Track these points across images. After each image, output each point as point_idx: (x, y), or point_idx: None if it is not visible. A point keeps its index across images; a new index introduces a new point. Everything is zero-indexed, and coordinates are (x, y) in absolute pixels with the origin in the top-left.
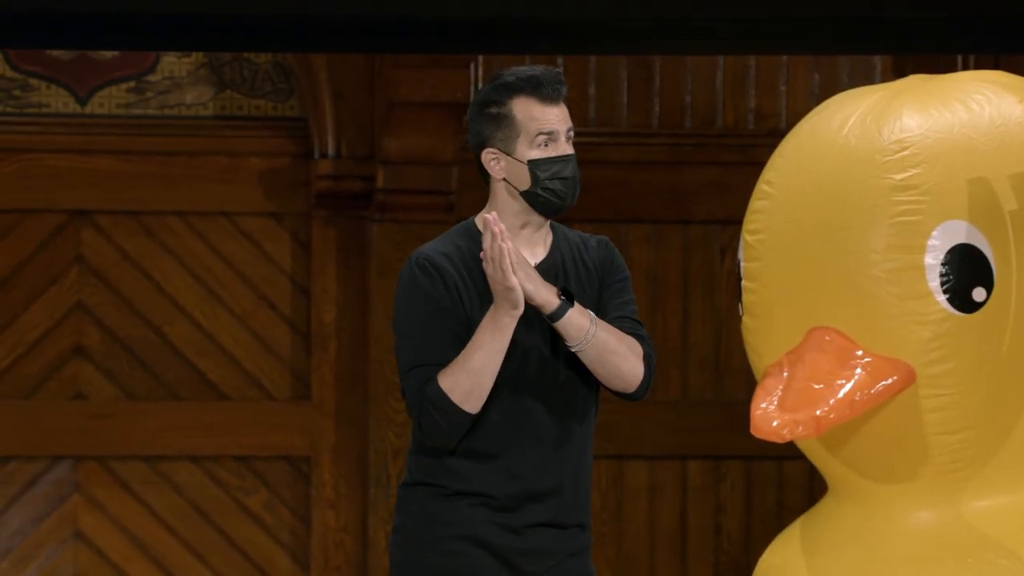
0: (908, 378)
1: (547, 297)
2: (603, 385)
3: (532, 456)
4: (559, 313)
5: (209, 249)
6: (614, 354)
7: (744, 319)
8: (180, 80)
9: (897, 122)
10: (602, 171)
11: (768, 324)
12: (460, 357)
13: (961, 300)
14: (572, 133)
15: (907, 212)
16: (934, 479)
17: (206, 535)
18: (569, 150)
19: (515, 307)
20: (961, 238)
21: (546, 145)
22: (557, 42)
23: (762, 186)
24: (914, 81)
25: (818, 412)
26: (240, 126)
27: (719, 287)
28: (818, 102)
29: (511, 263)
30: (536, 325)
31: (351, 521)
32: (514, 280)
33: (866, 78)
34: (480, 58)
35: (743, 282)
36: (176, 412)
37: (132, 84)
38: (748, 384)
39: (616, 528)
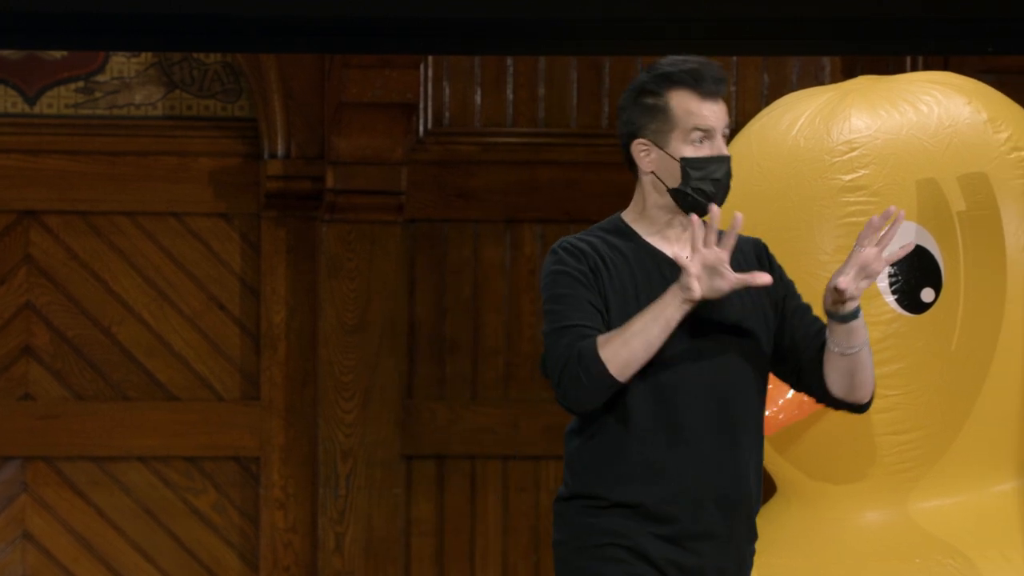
0: None
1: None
2: (831, 395)
3: (686, 462)
4: (856, 313)
5: (158, 249)
6: (869, 362)
7: None
8: (129, 80)
9: (846, 123)
10: (552, 171)
11: None
12: (622, 327)
13: (910, 301)
14: (728, 132)
15: (856, 213)
16: (883, 480)
17: (155, 536)
18: (725, 151)
19: (687, 292)
20: (910, 239)
21: (701, 142)
22: (507, 43)
23: None
24: (863, 82)
25: (767, 413)
26: (189, 126)
27: None
28: (767, 103)
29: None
30: (700, 331)
31: (300, 521)
32: (711, 284)
33: (815, 79)
34: (430, 59)
35: None
36: (125, 413)
37: (81, 84)
38: None
39: None
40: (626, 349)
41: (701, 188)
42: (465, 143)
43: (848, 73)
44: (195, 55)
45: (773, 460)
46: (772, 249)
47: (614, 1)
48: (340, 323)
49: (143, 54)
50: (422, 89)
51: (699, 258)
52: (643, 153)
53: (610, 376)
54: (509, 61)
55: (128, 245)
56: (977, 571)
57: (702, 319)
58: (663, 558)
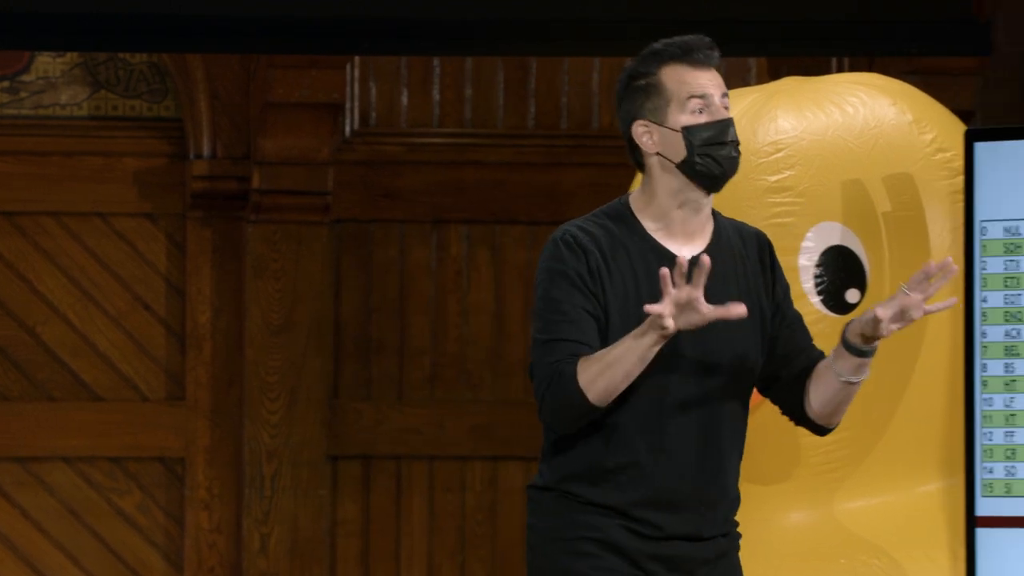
0: None
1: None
2: (804, 414)
3: (667, 468)
4: (873, 350)
5: (84, 250)
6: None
7: None
8: (55, 80)
9: (772, 124)
10: (478, 172)
11: None
12: (604, 350)
13: (835, 301)
14: (727, 99)
15: (782, 214)
16: (808, 480)
17: (79, 536)
18: (726, 113)
19: (659, 331)
20: (835, 240)
21: (700, 111)
22: (433, 43)
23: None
24: (789, 83)
25: None
26: (115, 126)
27: None
28: None
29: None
30: (690, 335)
31: (225, 522)
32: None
33: (741, 80)
34: (356, 59)
35: None
36: (50, 413)
37: (6, 84)
38: None
39: (491, 529)
40: (603, 379)
41: (709, 154)
42: (391, 143)
43: (774, 74)
44: (121, 55)
45: None
46: None
47: (542, 2)
48: (266, 323)
49: (68, 54)
50: (348, 89)
51: (670, 299)
52: (645, 135)
53: (589, 403)
54: (435, 62)
55: (53, 245)
56: (902, 571)
57: (702, 332)
58: (637, 550)
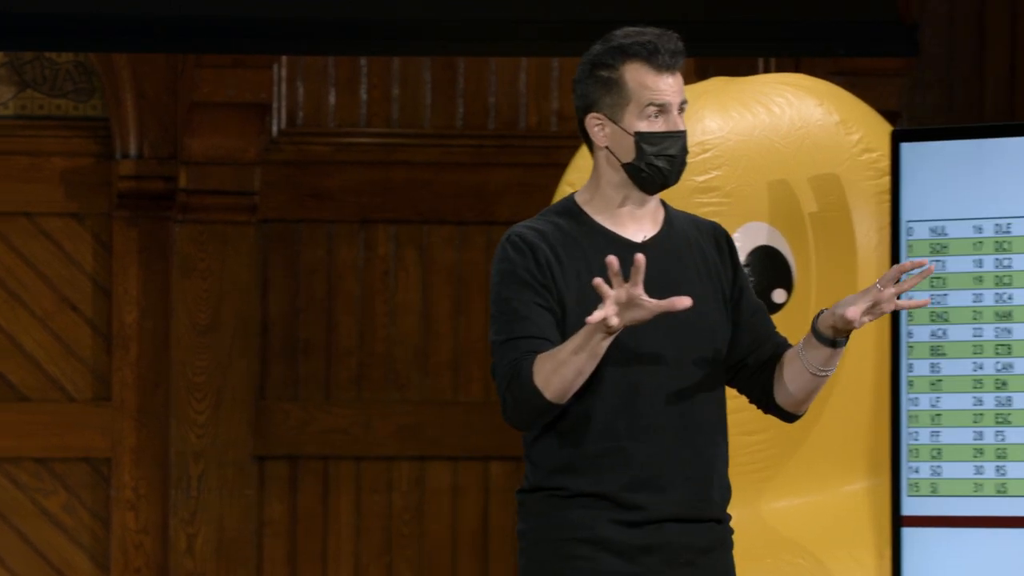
0: None
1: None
2: (772, 402)
3: (649, 448)
4: (844, 342)
5: (10, 250)
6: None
7: None
8: None
9: (699, 124)
10: (406, 172)
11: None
12: (557, 347)
13: (761, 301)
14: (686, 106)
15: (708, 214)
16: (733, 479)
17: (4, 537)
18: (681, 126)
19: (612, 335)
20: (762, 240)
21: (656, 117)
22: (361, 43)
23: (565, 187)
24: (716, 83)
25: None
26: (41, 126)
27: None
28: None
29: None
30: (665, 318)
31: (151, 523)
32: (617, 321)
33: None
34: (283, 59)
35: None
36: None
37: None
38: None
39: (418, 529)
40: (557, 376)
41: (655, 164)
42: (319, 143)
43: (701, 75)
44: (47, 54)
45: None
46: None
47: (469, 2)
48: (192, 324)
49: None
50: (275, 89)
51: (612, 299)
52: (597, 128)
53: (547, 401)
54: (363, 61)
55: None
56: (827, 571)
57: (659, 317)
58: (627, 543)
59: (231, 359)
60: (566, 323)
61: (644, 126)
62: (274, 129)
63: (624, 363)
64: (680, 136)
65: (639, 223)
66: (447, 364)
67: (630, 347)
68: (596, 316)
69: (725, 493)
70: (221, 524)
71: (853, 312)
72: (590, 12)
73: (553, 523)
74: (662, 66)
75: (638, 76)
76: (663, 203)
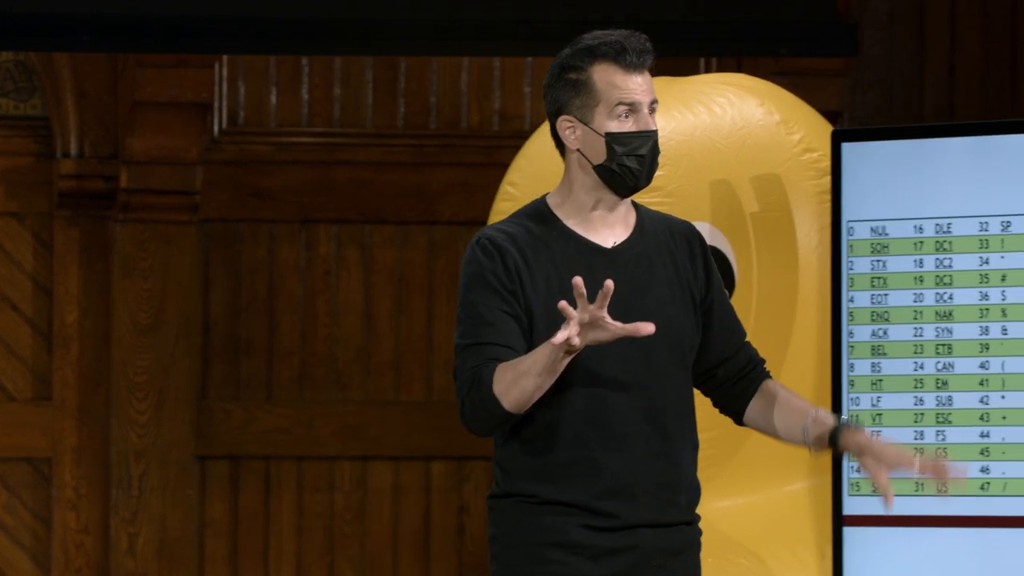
0: None
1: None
2: (741, 419)
3: (622, 456)
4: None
5: None
6: None
7: None
8: None
9: None
10: (347, 171)
11: None
12: (519, 358)
13: None
14: (656, 105)
15: None
16: None
17: None
18: (652, 125)
19: (572, 354)
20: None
21: (626, 117)
22: (303, 43)
23: (506, 187)
24: (658, 83)
25: None
26: None
27: None
28: None
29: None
30: (625, 321)
31: (92, 522)
32: (578, 342)
33: None
34: (225, 58)
35: None
36: None
37: None
38: None
39: (360, 528)
40: (516, 388)
41: (626, 165)
42: (260, 143)
43: None
44: None
45: None
46: None
47: (410, 2)
48: (134, 323)
49: None
50: (217, 88)
51: (575, 321)
52: (568, 130)
53: (504, 410)
54: (304, 61)
55: None
56: (769, 570)
57: (627, 311)
58: (600, 547)
59: (173, 359)
60: (533, 329)
61: (614, 126)
62: (215, 129)
63: (593, 371)
64: (651, 136)
65: (611, 227)
66: (389, 364)
67: (598, 355)
68: (559, 337)
69: (694, 494)
70: (162, 524)
71: (877, 481)
72: (532, 12)
73: (525, 528)
74: (630, 65)
75: (607, 76)
76: (635, 205)
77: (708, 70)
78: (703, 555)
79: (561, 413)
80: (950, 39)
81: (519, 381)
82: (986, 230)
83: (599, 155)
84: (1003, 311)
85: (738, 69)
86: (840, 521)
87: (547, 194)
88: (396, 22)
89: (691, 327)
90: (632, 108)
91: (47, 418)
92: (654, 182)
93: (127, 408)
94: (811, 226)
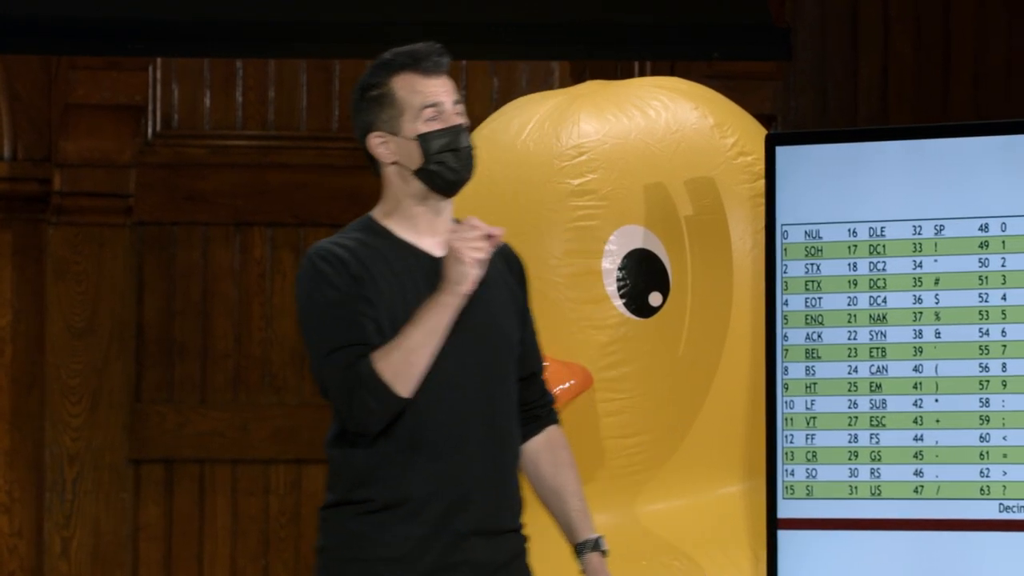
0: (586, 382)
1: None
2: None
3: (458, 463)
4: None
5: None
6: None
7: None
8: None
9: (575, 127)
10: (282, 174)
11: None
12: (395, 339)
13: (637, 305)
14: (461, 105)
15: (584, 217)
16: (610, 482)
17: None
18: (457, 120)
19: (460, 284)
20: (638, 243)
21: (433, 119)
22: (237, 45)
23: None
24: (592, 86)
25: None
26: None
27: None
28: (497, 107)
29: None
30: (467, 329)
31: (25, 526)
32: (475, 257)
33: (544, 83)
34: (159, 60)
35: None
36: None
37: None
38: None
39: (294, 532)
40: (409, 365)
41: (443, 161)
42: (194, 146)
43: (577, 78)
44: None
45: None
46: None
47: (342, 4)
48: (67, 326)
49: None
50: (150, 91)
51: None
52: (381, 145)
53: (397, 396)
54: (238, 64)
55: None
56: (702, 573)
57: (469, 316)
58: (433, 563)
59: (106, 362)
60: (382, 333)
61: (423, 128)
62: (149, 131)
63: (429, 377)
64: (459, 129)
65: (437, 237)
66: None
67: (436, 365)
68: (493, 231)
69: (521, 502)
70: (96, 528)
71: None
72: (463, 15)
73: (358, 540)
74: (428, 70)
75: (407, 84)
76: (457, 221)
77: (642, 73)
78: (636, 558)
79: (398, 419)
80: (883, 43)
81: (408, 358)
82: (920, 234)
83: (415, 160)
84: (936, 315)
85: (671, 72)
86: (774, 524)
87: (371, 211)
88: (331, 25)
89: (518, 335)
90: (437, 108)
91: None
92: (587, 185)
93: (60, 411)
94: (745, 229)
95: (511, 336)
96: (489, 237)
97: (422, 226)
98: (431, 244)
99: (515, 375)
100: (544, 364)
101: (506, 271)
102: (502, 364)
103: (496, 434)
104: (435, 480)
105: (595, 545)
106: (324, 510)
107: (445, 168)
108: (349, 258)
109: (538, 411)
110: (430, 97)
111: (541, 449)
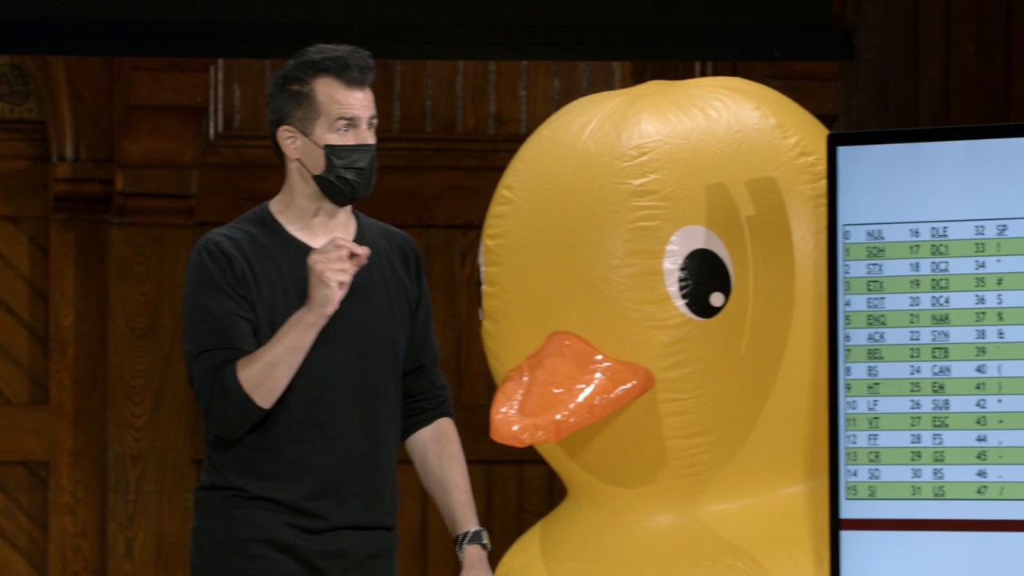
0: (647, 382)
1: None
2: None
3: (332, 458)
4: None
5: None
6: None
7: (484, 324)
8: None
9: (636, 128)
10: None
11: (508, 329)
12: (260, 350)
13: (699, 305)
14: (375, 121)
15: (646, 217)
16: (672, 483)
17: None
18: (370, 139)
19: (325, 306)
20: (699, 243)
21: (346, 131)
22: (298, 46)
23: (502, 191)
24: (653, 87)
25: (558, 416)
26: None
27: (459, 291)
28: (558, 107)
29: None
30: (343, 327)
31: (89, 526)
32: (339, 280)
33: (605, 84)
34: (220, 61)
35: (483, 287)
36: None
37: None
38: (488, 388)
39: None
40: (269, 379)
41: (344, 176)
42: (255, 146)
43: (638, 78)
44: None
45: (563, 463)
46: (562, 253)
47: (404, 6)
48: (130, 327)
49: None
50: (212, 92)
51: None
52: (289, 140)
53: (256, 407)
54: None
55: None
56: (765, 573)
57: (345, 317)
58: (307, 548)
59: (169, 362)
60: (259, 333)
61: (334, 139)
62: (211, 132)
63: (308, 372)
64: (369, 149)
65: (331, 233)
66: None
67: (314, 357)
68: (360, 249)
69: (395, 500)
70: (159, 527)
71: None
72: (529, 16)
73: (231, 523)
74: (352, 81)
75: (328, 90)
76: (356, 213)
77: (703, 74)
78: (700, 559)
79: (276, 412)
80: (945, 42)
81: (270, 372)
82: (982, 234)
83: (318, 166)
84: (999, 315)
85: (733, 73)
86: (837, 525)
87: (268, 201)
88: (392, 26)
89: (403, 332)
90: (352, 123)
91: (44, 422)
92: (649, 186)
93: (123, 412)
94: (807, 230)
95: (390, 334)
96: (352, 256)
97: (315, 225)
98: (323, 241)
99: (396, 372)
100: (599, 361)
101: (400, 264)
102: (377, 362)
103: (374, 432)
104: (312, 482)
105: (475, 537)
106: (198, 491)
107: (343, 182)
108: (236, 254)
109: (426, 403)
110: (348, 110)
111: (428, 441)
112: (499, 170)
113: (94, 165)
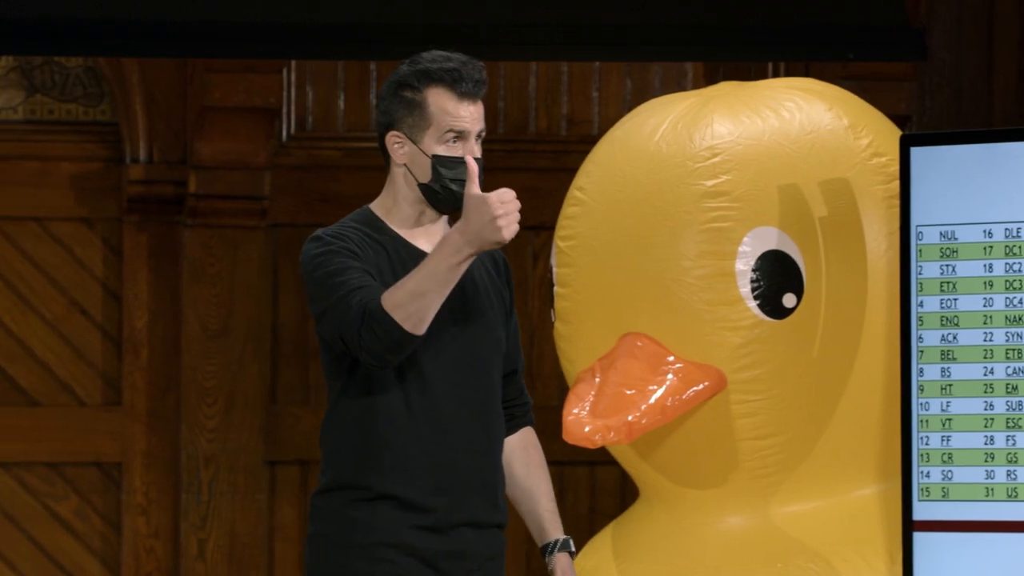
0: (719, 383)
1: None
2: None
3: (451, 453)
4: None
5: (20, 254)
6: None
7: (556, 325)
8: None
9: (708, 129)
10: None
11: (580, 330)
12: (399, 283)
13: (772, 306)
14: (483, 134)
15: (718, 219)
16: (744, 484)
17: (16, 542)
18: (477, 152)
19: (481, 244)
20: (772, 244)
21: (454, 143)
22: (370, 47)
23: (575, 192)
24: (725, 88)
25: (630, 418)
26: (51, 130)
27: (531, 293)
28: (630, 108)
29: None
30: (461, 322)
31: (162, 527)
32: (513, 231)
33: (678, 85)
34: (293, 63)
35: (555, 288)
36: None
37: None
38: (560, 390)
39: None
40: (416, 305)
41: (450, 188)
42: (328, 148)
43: (710, 79)
44: (56, 59)
45: (635, 464)
46: (634, 255)
47: (476, 6)
48: (203, 328)
49: (3, 58)
50: (285, 94)
51: (497, 199)
52: (397, 145)
53: (408, 334)
54: (372, 65)
55: None
56: (837, 575)
57: (458, 312)
58: (429, 549)
59: (242, 364)
60: None
61: (442, 150)
62: (284, 134)
63: (423, 372)
64: (475, 163)
65: (431, 238)
66: None
67: (429, 356)
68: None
69: (504, 501)
70: (232, 529)
71: None
72: (602, 17)
73: (356, 526)
74: (464, 94)
75: (440, 101)
76: (449, 222)
77: (776, 74)
78: (772, 561)
79: (392, 406)
80: (1019, 42)
81: (417, 300)
82: None
83: (424, 174)
84: None
85: (806, 73)
86: (910, 526)
87: (370, 204)
88: (463, 26)
89: (504, 335)
90: (460, 135)
91: (117, 423)
92: (721, 187)
93: (196, 413)
94: (880, 231)
95: (496, 331)
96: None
97: (417, 229)
98: (425, 244)
99: (501, 369)
100: (671, 362)
101: (493, 271)
102: (488, 357)
103: (487, 427)
104: (432, 479)
105: (564, 545)
106: (315, 496)
107: (448, 192)
108: (351, 236)
109: (515, 410)
110: (458, 123)
111: (515, 448)
112: (571, 171)
113: (167, 167)
